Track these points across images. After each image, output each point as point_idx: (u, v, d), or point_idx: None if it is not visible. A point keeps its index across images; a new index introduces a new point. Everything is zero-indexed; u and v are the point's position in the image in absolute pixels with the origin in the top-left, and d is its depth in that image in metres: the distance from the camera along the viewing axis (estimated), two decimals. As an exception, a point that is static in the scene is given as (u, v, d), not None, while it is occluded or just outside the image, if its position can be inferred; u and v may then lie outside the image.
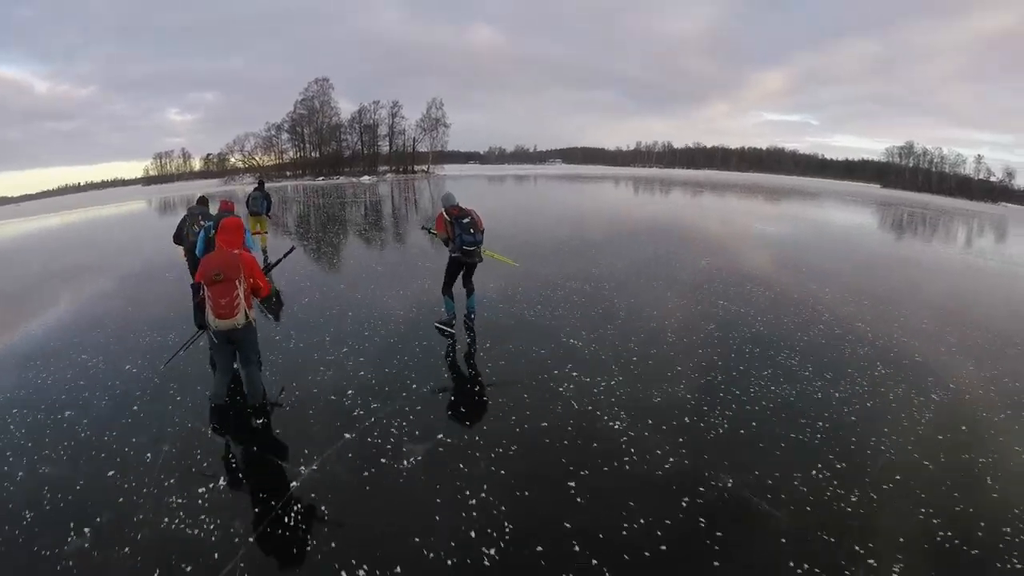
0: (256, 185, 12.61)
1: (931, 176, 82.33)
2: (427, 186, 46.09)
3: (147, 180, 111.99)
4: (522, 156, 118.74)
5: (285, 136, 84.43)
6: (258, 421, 4.58)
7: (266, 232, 12.41)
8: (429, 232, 7.44)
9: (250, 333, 4.43)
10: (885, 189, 73.14)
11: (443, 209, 6.59)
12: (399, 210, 26.66)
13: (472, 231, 6.41)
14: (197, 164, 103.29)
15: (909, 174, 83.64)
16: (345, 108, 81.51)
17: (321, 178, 72.83)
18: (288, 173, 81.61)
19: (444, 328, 6.89)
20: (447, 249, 6.74)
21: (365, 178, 66.79)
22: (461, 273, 6.78)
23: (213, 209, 7.76)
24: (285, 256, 6.29)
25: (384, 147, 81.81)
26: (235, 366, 4.62)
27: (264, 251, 11.67)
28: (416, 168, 79.23)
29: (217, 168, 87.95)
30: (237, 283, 4.16)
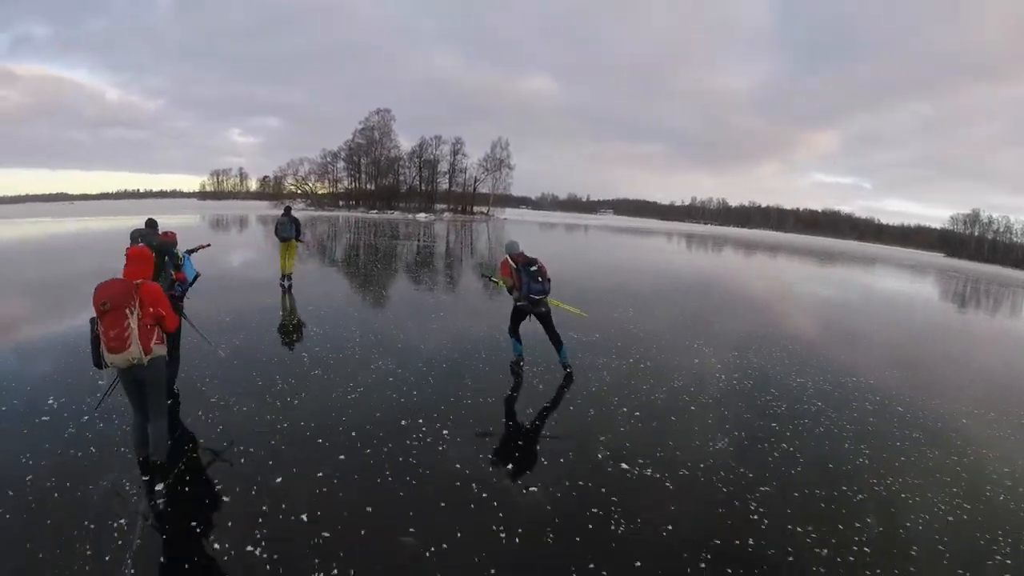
0: (283, 211, 12.65)
1: (997, 246, 79.14)
2: (486, 229, 42.73)
3: (203, 195, 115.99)
4: (573, 204, 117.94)
5: (341, 165, 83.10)
6: (158, 487, 4.03)
7: (293, 259, 12.36)
8: (490, 280, 7.52)
9: (155, 372, 4.09)
10: (950, 259, 69.49)
11: (508, 256, 6.69)
12: (454, 253, 23.57)
13: (540, 279, 6.51)
14: (253, 184, 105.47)
15: (975, 243, 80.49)
16: (403, 145, 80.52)
17: (375, 211, 70.57)
18: (341, 203, 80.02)
19: (514, 367, 7.03)
20: (511, 297, 6.83)
21: (421, 215, 63.71)
22: (527, 321, 6.84)
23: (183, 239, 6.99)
24: (197, 249, 6.47)
25: (443, 184, 79.20)
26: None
27: (288, 276, 12.04)
28: (475, 209, 76.32)
29: (273, 191, 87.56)
30: (127, 312, 3.86)
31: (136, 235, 6.62)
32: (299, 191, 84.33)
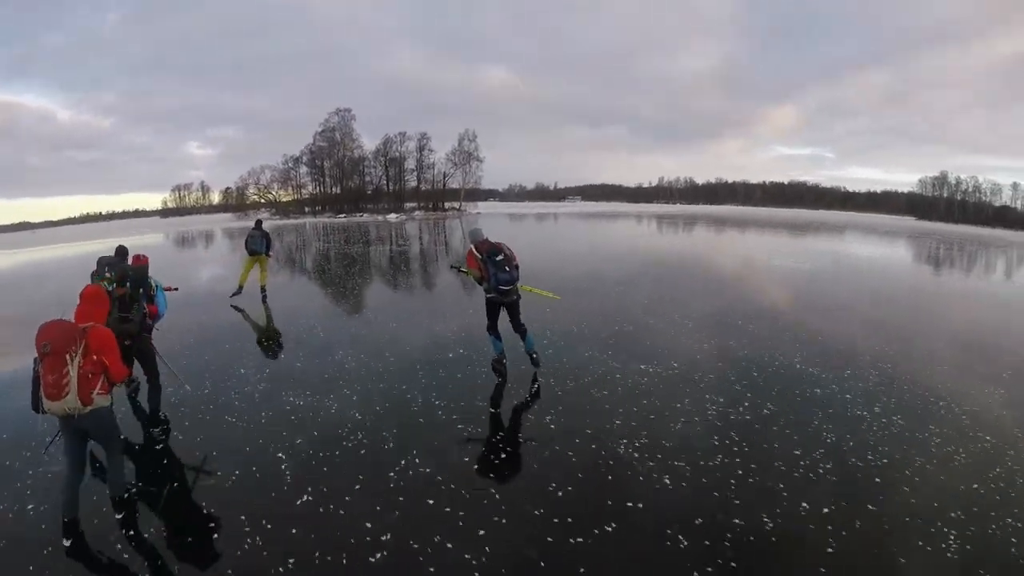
0: (254, 224, 12.68)
1: (967, 206, 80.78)
2: (460, 225, 42.54)
3: (164, 212, 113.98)
4: (541, 193, 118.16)
5: (304, 169, 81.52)
6: (117, 516, 3.99)
7: (266, 272, 12.54)
8: (459, 271, 7.38)
9: (99, 422, 3.88)
10: (921, 221, 71.56)
11: (472, 245, 6.52)
12: (429, 253, 23.49)
13: (507, 268, 6.30)
14: (216, 197, 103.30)
15: (944, 205, 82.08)
16: (366, 145, 79.21)
17: (343, 215, 69.43)
18: (307, 209, 78.56)
19: (496, 366, 6.83)
20: (481, 288, 6.61)
21: (392, 216, 62.75)
22: (503, 311, 6.62)
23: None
24: (165, 289, 5.90)
25: (411, 182, 77.78)
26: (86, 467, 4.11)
27: (263, 289, 12.21)
28: (447, 205, 75.01)
29: (236, 202, 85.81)
30: (68, 358, 3.65)
31: (104, 262, 6.36)
32: (262, 200, 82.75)
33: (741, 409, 5.81)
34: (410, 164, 77.20)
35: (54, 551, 3.68)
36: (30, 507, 4.15)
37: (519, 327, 6.66)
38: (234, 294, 11.87)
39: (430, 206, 74.43)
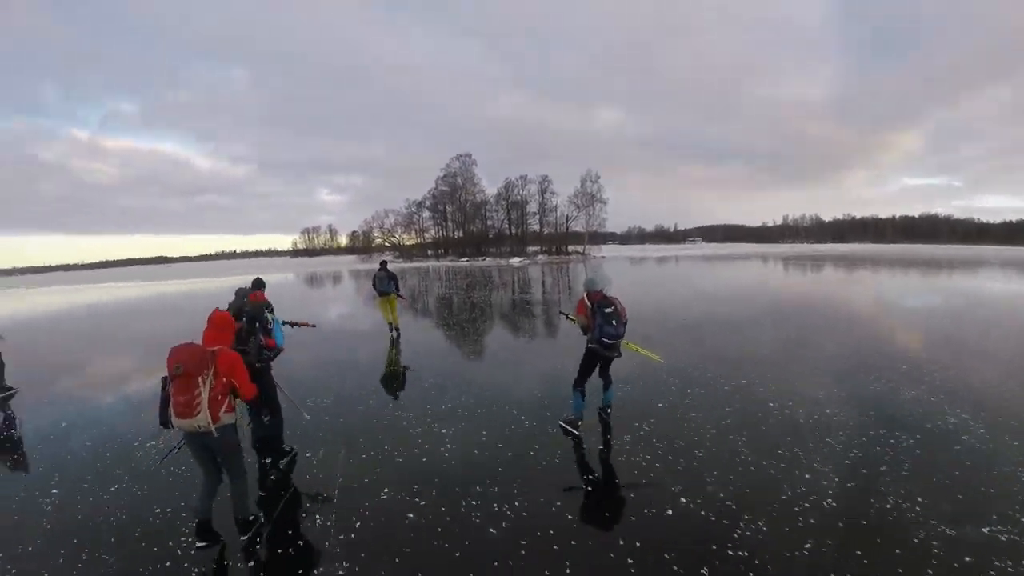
0: (380, 266, 13.18)
1: None
2: (584, 270, 40.81)
3: (294, 252, 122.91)
4: (661, 235, 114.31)
5: (426, 214, 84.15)
6: (242, 538, 4.31)
7: (396, 311, 13.06)
8: (568, 317, 7.32)
9: (224, 439, 4.15)
10: None
11: (585, 293, 6.35)
12: (552, 299, 21.78)
13: (615, 322, 6.08)
14: (343, 240, 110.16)
15: None
16: (488, 189, 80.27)
17: (465, 259, 70.25)
18: (429, 252, 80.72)
19: (569, 428, 6.38)
20: (586, 338, 6.48)
21: (515, 260, 62.66)
22: (597, 366, 6.50)
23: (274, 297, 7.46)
24: (301, 324, 7.01)
25: (533, 226, 77.97)
26: (222, 475, 4.40)
27: (395, 328, 12.85)
28: (570, 249, 74.39)
29: (362, 245, 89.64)
30: (200, 380, 3.96)
31: (241, 293, 6.66)
32: (386, 244, 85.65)
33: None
34: (532, 207, 77.79)
35: (185, 548, 4.19)
36: (169, 508, 4.79)
37: (605, 376, 6.66)
38: (392, 332, 12.70)
39: (553, 250, 74.21)
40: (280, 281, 33.70)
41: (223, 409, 4.05)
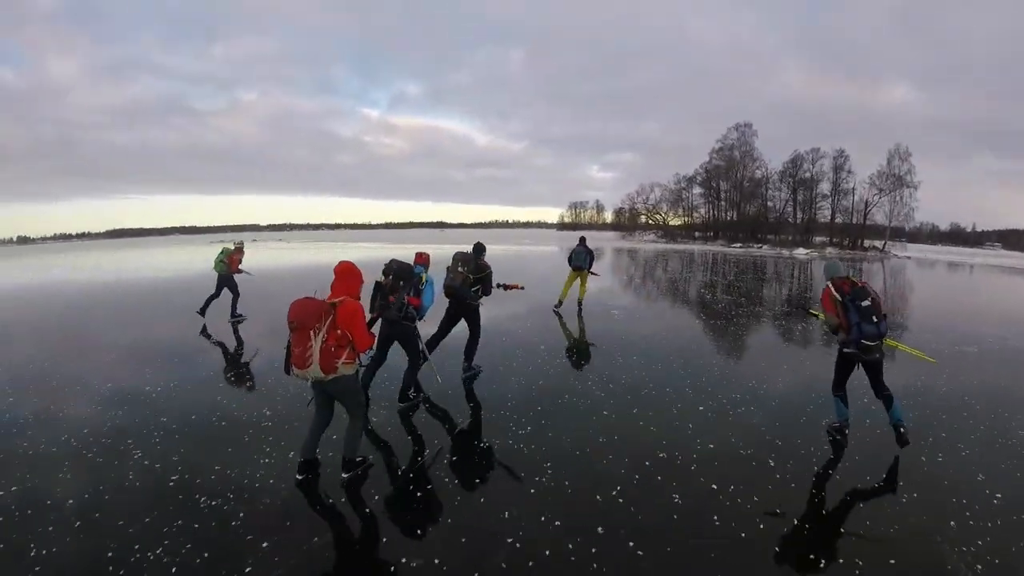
0: (579, 241, 13.52)
1: None
2: (883, 272, 32.88)
3: (560, 226, 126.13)
4: (953, 236, 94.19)
5: (697, 191, 77.45)
6: (344, 475, 4.63)
7: (585, 286, 13.45)
8: (809, 313, 6.77)
9: (342, 387, 4.49)
10: None
11: (829, 282, 5.62)
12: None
13: (875, 319, 5.26)
14: (608, 217, 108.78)
15: None
16: (770, 165, 70.67)
17: (737, 244, 62.81)
18: (697, 234, 74.10)
19: (834, 434, 5.85)
20: (836, 339, 5.71)
21: (800, 252, 53.11)
22: (855, 371, 5.75)
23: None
24: (511, 287, 7.57)
25: (823, 211, 65.84)
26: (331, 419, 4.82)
27: (580, 303, 13.12)
28: (866, 244, 60.93)
29: (628, 222, 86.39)
30: (312, 334, 4.23)
31: (457, 257, 7.34)
32: (650, 221, 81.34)
33: None
34: (822, 188, 65.62)
35: (287, 484, 4.55)
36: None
37: (882, 391, 5.56)
38: (556, 307, 12.74)
39: (846, 243, 61.53)
40: (537, 252, 35.07)
41: (341, 360, 4.30)
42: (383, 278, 6.06)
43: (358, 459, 4.68)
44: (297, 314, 4.20)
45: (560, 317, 11.91)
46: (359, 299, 4.45)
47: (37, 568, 3.44)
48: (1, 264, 36.64)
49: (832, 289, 5.47)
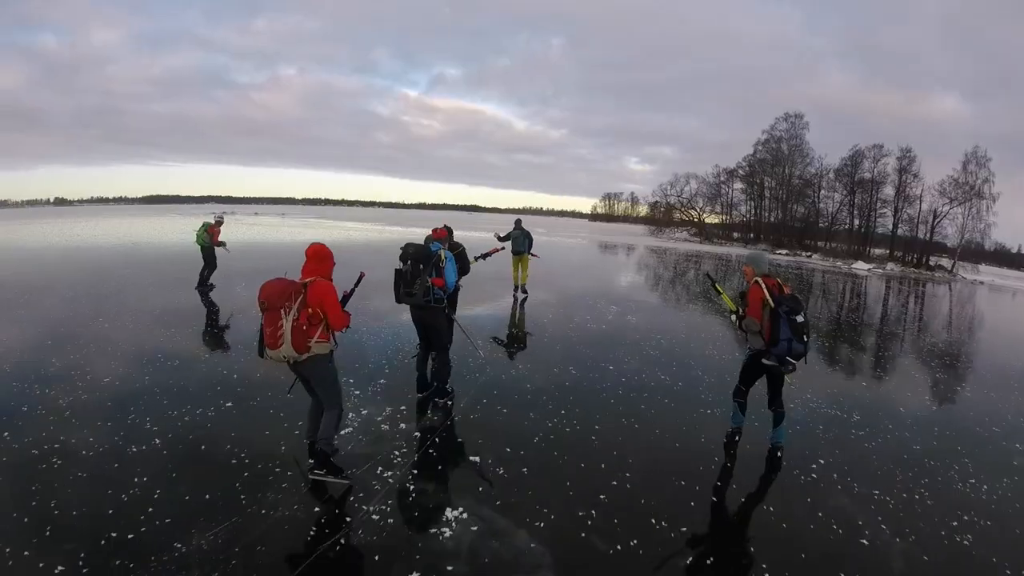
0: (514, 225, 13.58)
1: None
2: (949, 297, 27.68)
3: (593, 216, 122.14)
4: (998, 257, 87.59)
5: (738, 186, 71.08)
6: (312, 474, 4.64)
7: (527, 271, 13.80)
8: (714, 287, 6.15)
9: (315, 368, 4.53)
10: None
11: (757, 277, 5.29)
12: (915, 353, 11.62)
13: (805, 338, 5.08)
14: (643, 210, 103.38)
15: None
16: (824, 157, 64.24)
17: (783, 251, 56.48)
18: (736, 235, 68.03)
19: (728, 440, 5.85)
20: (747, 344, 5.47)
21: (860, 266, 46.34)
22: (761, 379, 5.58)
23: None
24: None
25: (885, 219, 57.69)
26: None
27: (523, 288, 13.84)
28: (931, 262, 52.87)
29: (663, 217, 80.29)
30: (282, 313, 4.28)
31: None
32: (684, 218, 75.01)
33: None
34: (885, 192, 57.48)
35: (298, 468, 4.81)
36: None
37: (777, 405, 5.51)
38: (518, 293, 13.65)
39: (911, 258, 53.43)
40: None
41: (314, 338, 4.32)
42: (401, 264, 5.94)
43: (329, 451, 4.67)
44: (268, 295, 4.25)
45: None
46: (331, 280, 4.51)
47: (56, 512, 3.91)
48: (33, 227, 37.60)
49: (764, 290, 5.14)
